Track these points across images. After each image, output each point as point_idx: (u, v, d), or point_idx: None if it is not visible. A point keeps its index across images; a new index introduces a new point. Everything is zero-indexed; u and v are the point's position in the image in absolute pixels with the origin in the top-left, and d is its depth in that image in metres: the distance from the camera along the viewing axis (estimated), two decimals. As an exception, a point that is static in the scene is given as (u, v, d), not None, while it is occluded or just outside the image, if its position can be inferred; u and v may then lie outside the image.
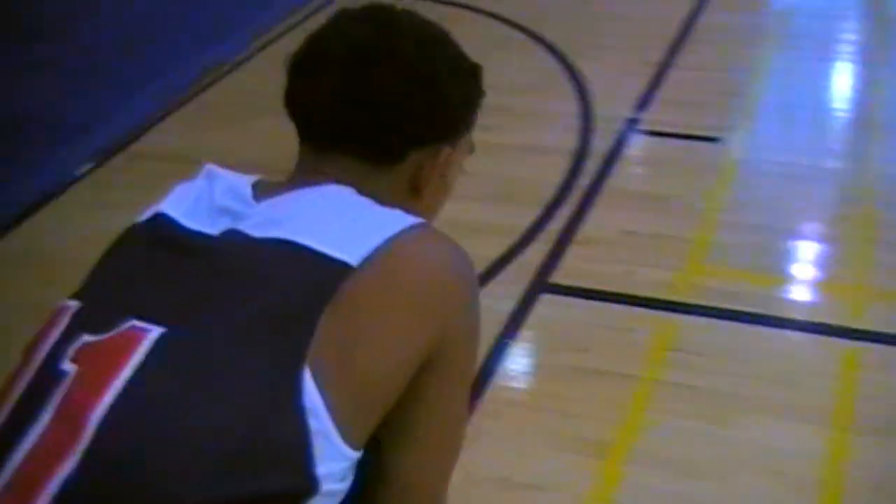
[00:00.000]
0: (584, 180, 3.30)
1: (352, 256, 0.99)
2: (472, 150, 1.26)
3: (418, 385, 1.03)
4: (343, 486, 0.98)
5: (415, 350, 1.02)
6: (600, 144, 3.51)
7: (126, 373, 0.94)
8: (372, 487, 1.05)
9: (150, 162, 3.60)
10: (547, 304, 2.74)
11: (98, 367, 0.95)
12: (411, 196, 1.18)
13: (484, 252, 2.92)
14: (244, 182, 1.12)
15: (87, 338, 0.98)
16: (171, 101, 4.11)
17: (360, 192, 1.11)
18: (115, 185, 3.49)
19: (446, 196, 1.25)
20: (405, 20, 1.18)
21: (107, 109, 4.00)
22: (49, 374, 0.97)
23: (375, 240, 1.02)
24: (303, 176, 1.14)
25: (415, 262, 1.04)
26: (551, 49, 4.26)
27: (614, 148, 3.48)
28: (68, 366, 0.96)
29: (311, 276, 0.99)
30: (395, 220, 1.06)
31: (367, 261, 1.00)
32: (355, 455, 0.98)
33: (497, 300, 2.75)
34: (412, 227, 1.06)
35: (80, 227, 3.16)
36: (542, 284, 2.81)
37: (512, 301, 2.74)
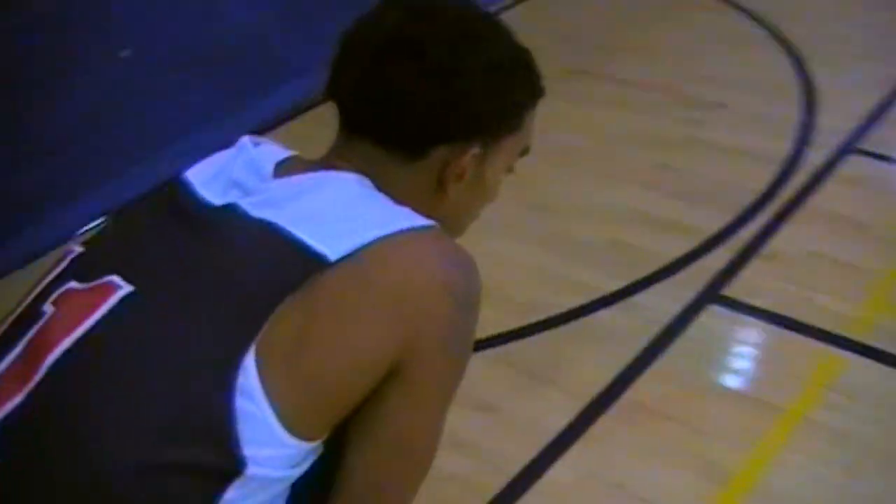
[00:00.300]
0: (787, 192, 3.16)
1: (333, 250, 0.99)
2: (525, 152, 1.22)
3: (383, 390, 1.02)
4: (291, 473, 0.99)
5: (377, 354, 1.00)
6: (814, 157, 3.34)
7: (88, 324, 0.98)
8: (332, 482, 1.06)
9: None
10: (713, 316, 2.66)
11: (68, 313, 1.00)
12: (437, 193, 1.15)
13: (663, 250, 2.87)
14: (270, 157, 1.14)
15: (72, 284, 1.04)
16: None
17: (380, 182, 1.10)
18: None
19: (485, 197, 1.22)
20: (442, 11, 1.14)
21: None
22: (31, 313, 1.03)
23: (365, 236, 1.01)
24: (328, 159, 1.15)
25: (393, 264, 1.02)
26: (789, 50, 4.07)
27: (827, 163, 3.31)
28: (48, 307, 1.02)
29: (283, 263, 0.99)
30: (396, 219, 1.04)
31: (348, 257, 0.99)
32: (303, 445, 0.98)
33: (663, 302, 2.70)
34: (412, 229, 1.04)
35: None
36: (713, 294, 2.73)
37: (678, 306, 2.68)
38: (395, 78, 1.10)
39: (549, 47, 4.28)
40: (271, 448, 0.96)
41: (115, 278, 1.02)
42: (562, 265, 2.90)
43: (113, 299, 1.00)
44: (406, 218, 1.06)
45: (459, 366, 1.08)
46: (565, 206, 3.20)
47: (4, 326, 1.05)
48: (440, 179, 1.15)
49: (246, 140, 1.17)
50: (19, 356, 0.99)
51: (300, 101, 3.87)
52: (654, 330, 2.60)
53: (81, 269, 1.06)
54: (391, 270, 1.02)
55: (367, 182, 1.11)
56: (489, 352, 2.59)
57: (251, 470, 0.95)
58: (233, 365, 0.94)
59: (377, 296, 1.00)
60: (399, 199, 1.10)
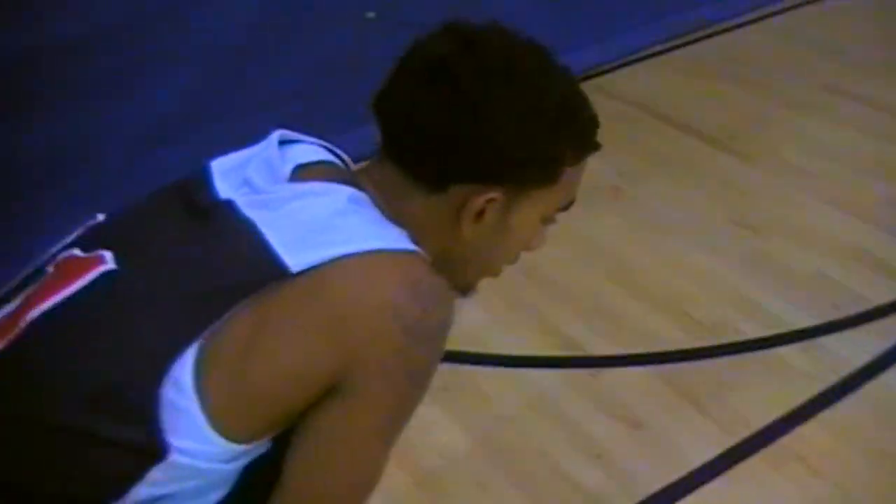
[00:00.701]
0: None
1: (296, 262, 1.00)
2: (566, 206, 1.17)
3: (324, 404, 1.02)
4: (225, 467, 1.02)
5: (314, 369, 1.01)
6: None
7: (68, 291, 1.04)
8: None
9: (607, 99, 3.63)
10: (902, 374, 2.47)
11: (59, 278, 1.07)
12: (454, 229, 1.13)
13: (869, 294, 2.69)
14: (294, 158, 1.15)
15: (75, 251, 1.10)
16: (650, 46, 4.11)
17: (398, 206, 1.11)
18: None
19: (514, 244, 1.18)
20: (494, 47, 1.10)
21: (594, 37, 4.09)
22: (38, 271, 1.11)
23: (331, 252, 1.01)
24: (353, 174, 1.16)
25: (348, 283, 1.01)
26: None
27: None
28: (50, 269, 1.09)
29: (249, 267, 1.02)
30: (370, 239, 1.04)
31: (311, 270, 1.00)
32: (231, 446, 1.00)
33: (854, 350, 2.53)
34: (382, 251, 1.03)
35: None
36: (911, 351, 2.53)
37: (869, 356, 2.50)
38: (424, 107, 1.09)
39: (808, 59, 4.10)
40: (196, 442, 0.99)
41: (107, 254, 1.07)
42: (756, 289, 2.77)
43: (94, 273, 1.06)
44: (382, 239, 1.05)
45: (406, 397, 1.05)
46: (777, 227, 3.04)
47: (20, 278, 1.14)
48: (458, 217, 1.12)
49: (274, 136, 1.18)
50: (14, 309, 1.08)
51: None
52: (834, 378, 2.44)
53: (89, 238, 1.13)
54: (344, 289, 1.02)
55: (361, 198, 1.10)
56: (653, 367, 2.53)
57: (175, 457, 0.99)
58: (170, 356, 0.98)
59: (323, 312, 1.01)
60: (412, 227, 1.10)
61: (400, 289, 1.02)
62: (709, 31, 4.23)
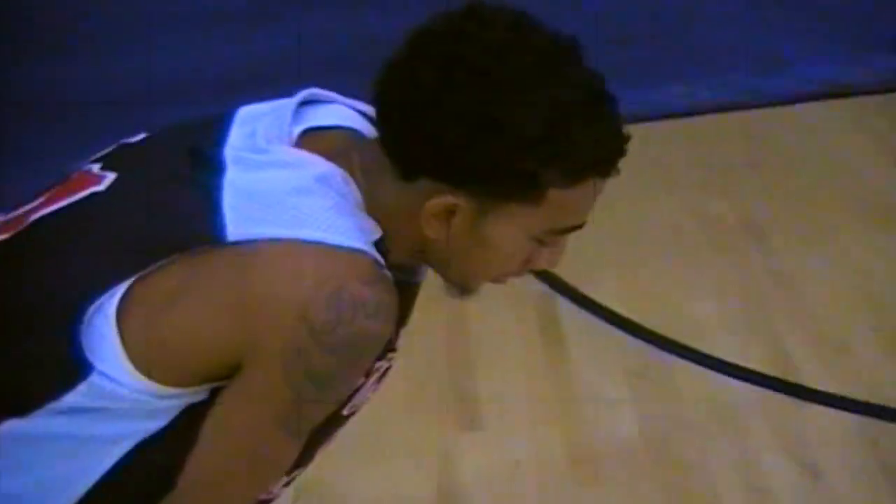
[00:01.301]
0: None
1: (236, 231, 1.02)
2: (566, 229, 1.10)
3: (231, 381, 1.05)
4: (159, 403, 1.05)
5: (215, 344, 1.04)
6: None
7: (64, 202, 1.12)
8: None
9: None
10: None
11: (64, 189, 1.15)
12: (418, 226, 1.09)
13: None
14: (309, 120, 1.14)
15: (93, 166, 1.17)
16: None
17: (374, 187, 1.09)
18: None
19: (497, 259, 1.11)
20: (484, 39, 1.03)
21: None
22: (62, 178, 1.19)
23: (271, 231, 1.02)
24: (353, 147, 1.13)
25: (269, 269, 1.01)
26: None
27: None
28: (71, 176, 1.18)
29: (190, 225, 1.05)
30: (316, 226, 1.03)
31: (246, 243, 1.02)
32: (150, 382, 1.03)
33: None
34: (320, 244, 1.01)
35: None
36: None
37: None
38: (395, 86, 1.06)
39: None
40: (115, 369, 1.03)
41: (110, 176, 1.14)
42: None
43: (84, 192, 1.13)
44: (329, 230, 1.03)
45: (308, 395, 1.05)
46: None
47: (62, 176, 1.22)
48: (421, 214, 1.08)
49: (300, 94, 1.17)
50: (31, 206, 1.16)
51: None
52: None
53: (112, 154, 1.20)
54: (263, 275, 1.02)
55: (333, 178, 1.07)
56: (862, 419, 2.36)
57: (98, 378, 1.03)
58: (103, 286, 1.04)
59: (237, 291, 1.02)
60: (382, 213, 1.09)
61: (318, 289, 1.01)
62: None
